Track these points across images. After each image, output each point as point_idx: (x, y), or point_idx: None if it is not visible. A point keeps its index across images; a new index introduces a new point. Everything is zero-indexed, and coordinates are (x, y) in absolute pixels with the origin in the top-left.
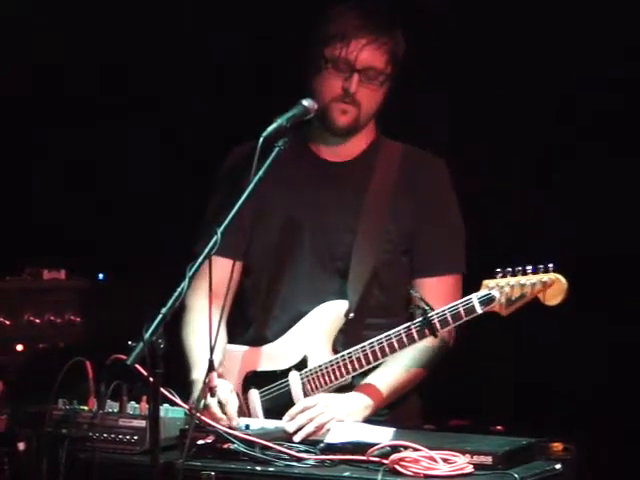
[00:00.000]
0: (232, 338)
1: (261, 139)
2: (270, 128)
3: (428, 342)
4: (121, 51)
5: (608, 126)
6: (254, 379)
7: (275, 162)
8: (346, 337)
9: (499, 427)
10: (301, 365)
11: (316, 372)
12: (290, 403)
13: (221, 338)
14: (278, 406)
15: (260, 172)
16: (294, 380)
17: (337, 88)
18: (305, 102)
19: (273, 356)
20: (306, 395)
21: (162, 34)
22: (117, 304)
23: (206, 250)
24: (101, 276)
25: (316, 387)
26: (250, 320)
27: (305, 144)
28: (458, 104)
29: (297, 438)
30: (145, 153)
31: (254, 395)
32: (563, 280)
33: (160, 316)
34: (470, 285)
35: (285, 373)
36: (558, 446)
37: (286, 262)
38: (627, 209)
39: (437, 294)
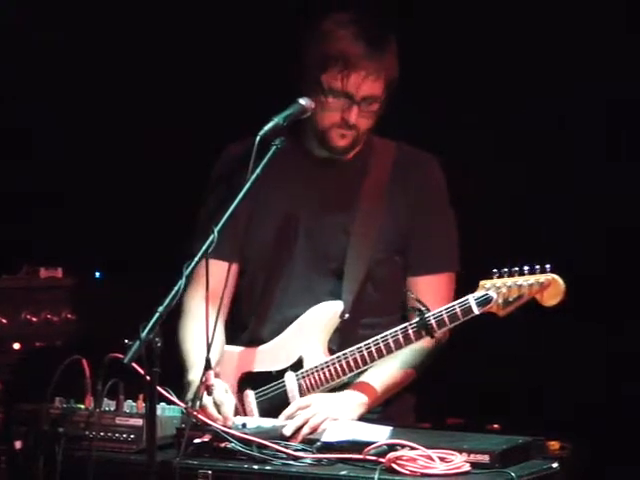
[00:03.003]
0: (228, 339)
1: (258, 138)
2: (267, 127)
3: (423, 343)
4: (120, 50)
5: (606, 130)
6: (249, 380)
7: (269, 161)
8: (341, 337)
9: (495, 426)
10: (297, 366)
11: (312, 372)
12: (286, 404)
13: (219, 339)
14: (274, 407)
15: (257, 171)
16: (290, 381)
17: (336, 117)
18: (302, 101)
19: (269, 357)
20: (302, 396)
21: (163, 33)
22: (114, 302)
23: (203, 249)
24: (98, 274)
25: (312, 387)
26: (245, 321)
27: (299, 144)
28: (456, 104)
29: (293, 440)
30: (145, 153)
31: (250, 396)
32: (560, 281)
33: (157, 315)
34: (467, 285)
35: (281, 374)
36: (555, 445)
37: (281, 262)
38: (625, 216)
39: (431, 292)
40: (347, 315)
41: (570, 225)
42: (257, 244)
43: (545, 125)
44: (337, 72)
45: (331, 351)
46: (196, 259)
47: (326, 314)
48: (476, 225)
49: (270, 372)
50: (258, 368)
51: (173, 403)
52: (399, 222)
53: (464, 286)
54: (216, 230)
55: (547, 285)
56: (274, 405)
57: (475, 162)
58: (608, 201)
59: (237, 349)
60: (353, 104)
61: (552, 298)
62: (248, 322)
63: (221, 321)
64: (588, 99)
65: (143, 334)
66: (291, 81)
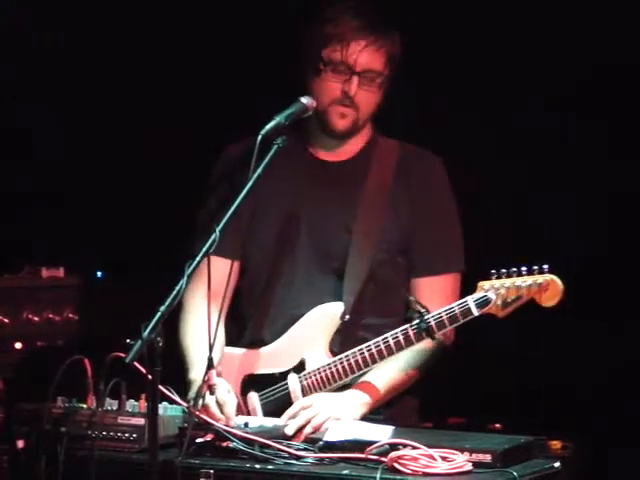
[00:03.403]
0: (229, 339)
1: (259, 137)
2: (268, 126)
3: (425, 344)
4: (120, 50)
5: (607, 128)
6: (252, 382)
7: (272, 161)
8: (342, 338)
9: (497, 425)
10: (299, 368)
11: (315, 374)
12: (290, 406)
13: (220, 337)
14: (278, 409)
15: (259, 170)
16: (293, 382)
17: (336, 91)
18: (304, 99)
19: (271, 359)
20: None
21: (163, 33)
22: (116, 302)
23: (205, 248)
24: (100, 274)
25: (315, 389)
26: (246, 321)
27: (302, 143)
28: (458, 102)
29: (295, 440)
30: (145, 153)
31: (254, 398)
32: (559, 281)
33: (159, 314)
34: (468, 284)
35: (284, 376)
36: (557, 444)
37: (282, 262)
38: (628, 214)
39: (436, 293)
40: (347, 316)
41: (572, 223)
42: (259, 242)
43: (547, 123)
44: (337, 44)
45: (333, 353)
46: (198, 258)
47: (327, 316)
48: (478, 223)
49: (273, 374)
50: (261, 370)
51: (175, 402)
52: (402, 222)
53: (466, 284)
54: (218, 229)
55: (545, 286)
56: (278, 407)
57: (477, 160)
58: (610, 199)
59: (239, 351)
60: (353, 75)
61: (551, 299)
62: (249, 321)
63: (222, 319)
64: (591, 94)
65: (145, 333)
66: (291, 81)
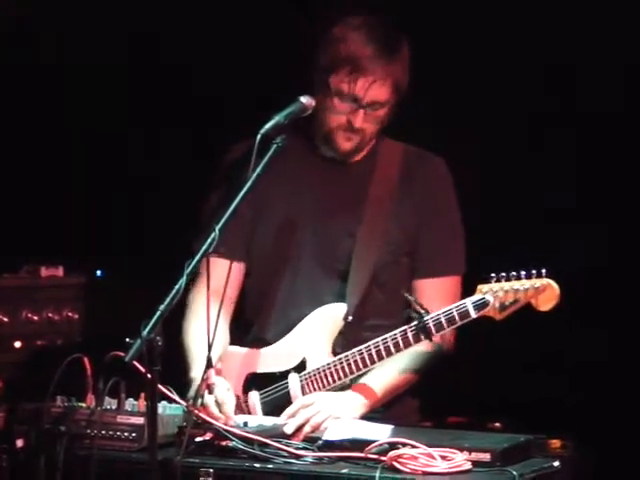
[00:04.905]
0: (233, 340)
1: (259, 136)
2: (268, 125)
3: (424, 347)
4: (120, 50)
5: (611, 134)
6: (254, 381)
7: (276, 161)
8: (346, 339)
9: (497, 424)
10: (300, 367)
11: (315, 374)
12: (289, 405)
13: (222, 335)
14: (277, 408)
15: (258, 169)
16: (293, 382)
17: (342, 119)
18: (303, 99)
19: (273, 358)
20: None
21: (163, 33)
22: (115, 301)
23: (204, 247)
24: (99, 273)
25: (315, 389)
26: (250, 322)
27: (308, 144)
28: (457, 104)
29: (294, 438)
30: (145, 152)
31: (254, 397)
32: (555, 286)
33: (158, 313)
34: (466, 287)
35: (284, 375)
36: (556, 443)
37: (286, 263)
38: (628, 214)
39: (437, 295)
40: (350, 318)
41: (573, 225)
42: (262, 245)
43: (546, 123)
44: (345, 75)
45: (335, 353)
46: (197, 257)
47: (330, 316)
48: (478, 225)
49: (274, 373)
50: (262, 369)
51: (174, 401)
52: (406, 225)
53: (464, 286)
54: (217, 228)
55: (542, 290)
56: (277, 406)
57: (475, 162)
58: (610, 199)
59: (242, 350)
60: (359, 108)
61: (547, 303)
62: (253, 323)
63: (224, 318)
64: (590, 94)
65: (144, 332)
66: (292, 80)
